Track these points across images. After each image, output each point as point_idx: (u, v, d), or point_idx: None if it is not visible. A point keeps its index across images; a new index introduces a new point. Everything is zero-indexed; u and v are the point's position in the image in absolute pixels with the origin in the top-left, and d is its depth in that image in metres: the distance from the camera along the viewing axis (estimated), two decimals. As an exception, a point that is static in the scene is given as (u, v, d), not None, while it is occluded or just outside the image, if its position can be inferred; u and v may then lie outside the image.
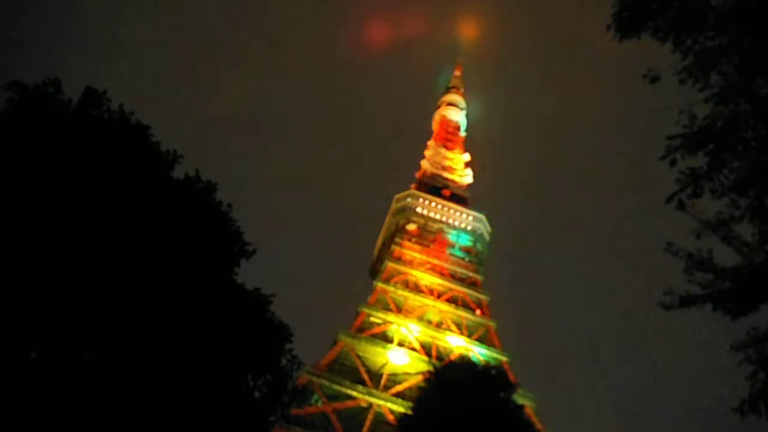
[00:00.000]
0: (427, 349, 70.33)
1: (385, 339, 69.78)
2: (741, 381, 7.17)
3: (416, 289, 78.74)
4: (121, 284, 9.57)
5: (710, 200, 7.08)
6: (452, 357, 61.43)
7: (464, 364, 18.09)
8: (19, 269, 8.90)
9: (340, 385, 61.70)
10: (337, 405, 59.88)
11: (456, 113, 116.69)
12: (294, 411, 12.51)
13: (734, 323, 7.41)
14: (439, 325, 74.67)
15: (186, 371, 9.82)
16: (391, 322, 71.85)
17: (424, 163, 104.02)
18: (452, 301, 79.41)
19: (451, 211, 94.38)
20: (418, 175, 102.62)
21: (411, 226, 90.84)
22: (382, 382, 64.23)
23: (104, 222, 9.74)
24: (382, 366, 66.61)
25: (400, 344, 69.25)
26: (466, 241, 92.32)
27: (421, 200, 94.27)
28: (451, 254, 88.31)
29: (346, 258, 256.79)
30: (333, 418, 58.42)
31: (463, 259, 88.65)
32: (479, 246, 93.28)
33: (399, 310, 74.45)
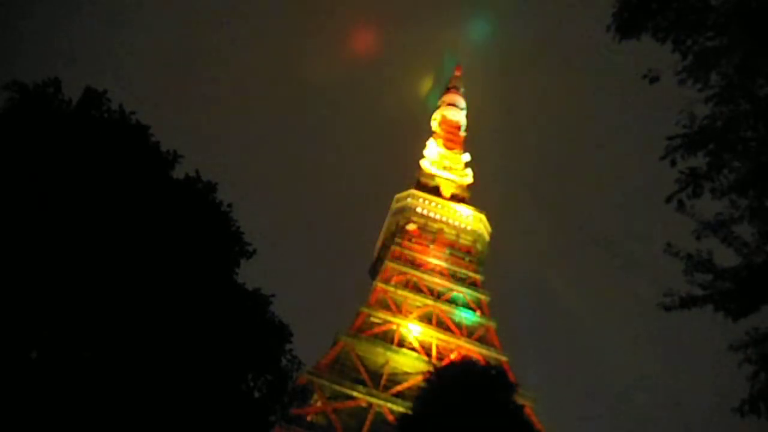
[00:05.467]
0: (427, 349, 70.35)
1: (385, 339, 69.80)
2: (741, 381, 7.17)
3: (416, 289, 78.75)
4: (122, 284, 9.57)
5: (710, 200, 7.08)
6: (452, 357, 61.46)
7: (464, 364, 18.08)
8: (19, 269, 8.90)
9: (340, 385, 61.70)
10: (337, 405, 59.90)
11: (456, 113, 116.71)
12: (294, 411, 12.52)
13: (734, 324, 7.41)
14: (439, 325, 74.68)
15: (186, 371, 9.83)
16: (391, 322, 71.87)
17: (424, 163, 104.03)
18: (452, 301, 79.42)
19: (451, 211, 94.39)
20: (418, 175, 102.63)
21: (411, 226, 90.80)
22: (382, 382, 64.24)
23: (104, 222, 9.74)
24: (382, 366, 66.62)
25: (400, 344, 69.30)
26: (466, 241, 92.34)
27: (421, 200, 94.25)
28: (451, 254, 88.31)
29: (346, 258, 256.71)
30: (333, 418, 58.45)
31: (463, 259, 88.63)
32: (479, 246, 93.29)
33: (399, 310, 74.46)
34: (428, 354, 68.44)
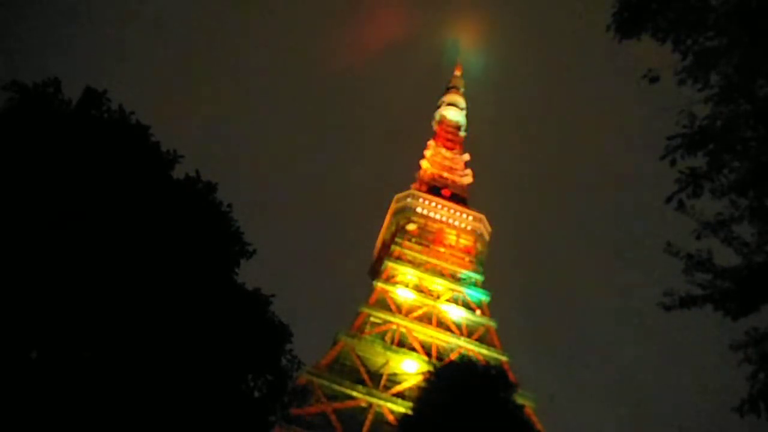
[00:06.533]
0: (427, 349, 70.34)
1: (385, 339, 69.80)
2: (741, 381, 7.17)
3: (416, 289, 78.74)
4: (122, 284, 9.57)
5: (710, 200, 7.08)
6: (452, 357, 61.45)
7: (464, 364, 18.09)
8: (19, 269, 8.90)
9: (340, 385, 61.71)
10: (337, 405, 59.89)
11: (456, 113, 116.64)
12: (294, 411, 12.51)
13: (734, 323, 7.41)
14: (439, 325, 74.67)
15: (186, 371, 9.82)
16: (391, 322, 71.86)
17: (424, 163, 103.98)
18: (452, 301, 79.42)
19: (451, 211, 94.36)
20: (418, 175, 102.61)
21: (411, 226, 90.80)
22: (382, 382, 64.25)
23: (104, 222, 9.74)
24: (382, 366, 66.63)
25: (401, 344, 69.33)
26: (466, 241, 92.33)
27: (421, 200, 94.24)
28: (451, 254, 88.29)
29: (346, 258, 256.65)
30: (333, 418, 58.44)
31: (463, 259, 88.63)
32: (479, 246, 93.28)
33: (399, 310, 74.45)
34: (428, 354, 68.43)
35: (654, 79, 7.23)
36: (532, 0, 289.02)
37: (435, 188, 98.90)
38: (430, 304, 76.76)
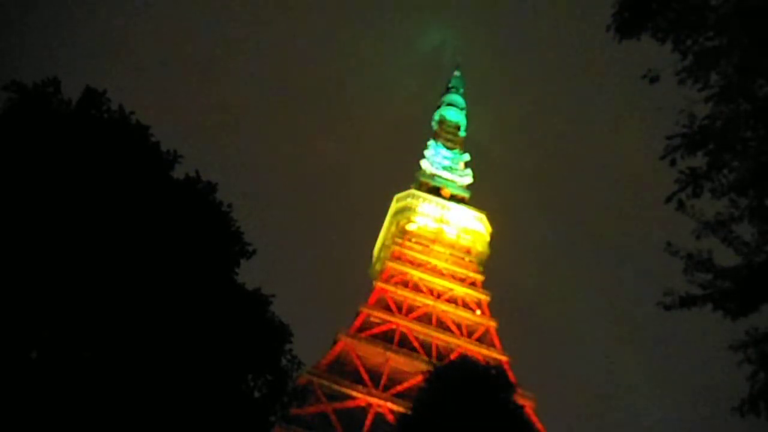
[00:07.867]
0: (427, 349, 70.37)
1: (385, 339, 69.82)
2: (741, 381, 7.17)
3: (416, 289, 78.76)
4: (121, 284, 9.58)
5: (710, 200, 7.09)
6: (452, 357, 61.48)
7: (464, 364, 18.08)
8: (19, 269, 8.91)
9: (340, 385, 61.75)
10: (337, 405, 59.92)
11: (456, 113, 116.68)
12: (294, 411, 12.52)
13: (734, 323, 7.41)
14: (439, 325, 74.69)
15: (186, 371, 9.83)
16: (391, 322, 71.88)
17: (424, 163, 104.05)
18: (452, 301, 79.43)
19: (451, 211, 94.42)
20: (418, 175, 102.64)
21: (411, 226, 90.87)
22: (382, 382, 64.25)
23: (104, 222, 9.74)
24: (382, 366, 66.63)
25: (401, 344, 69.37)
26: (466, 241, 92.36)
27: (421, 200, 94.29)
28: (451, 254, 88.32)
29: (346, 258, 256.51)
30: (333, 418, 58.45)
31: (463, 259, 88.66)
32: (479, 246, 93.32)
33: (399, 310, 74.47)
34: (428, 354, 68.46)
35: (654, 79, 7.23)
36: (533, 0, 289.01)
37: (435, 188, 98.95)
38: (430, 304, 76.80)
